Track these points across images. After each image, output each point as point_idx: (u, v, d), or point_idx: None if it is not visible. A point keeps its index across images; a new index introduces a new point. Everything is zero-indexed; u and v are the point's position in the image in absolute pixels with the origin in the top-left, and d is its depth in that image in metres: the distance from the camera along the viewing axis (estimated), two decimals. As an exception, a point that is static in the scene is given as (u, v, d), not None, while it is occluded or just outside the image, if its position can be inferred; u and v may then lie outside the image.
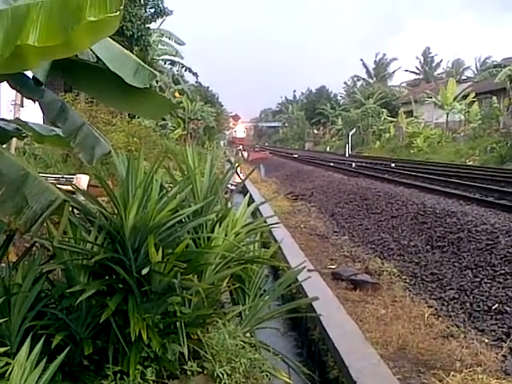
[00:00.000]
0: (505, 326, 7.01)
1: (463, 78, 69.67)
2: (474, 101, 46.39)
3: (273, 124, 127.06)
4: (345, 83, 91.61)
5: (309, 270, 8.34)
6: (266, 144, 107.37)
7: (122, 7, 2.74)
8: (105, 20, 2.74)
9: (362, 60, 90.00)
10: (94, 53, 4.23)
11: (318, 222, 15.53)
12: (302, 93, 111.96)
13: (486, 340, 6.63)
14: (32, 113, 5.79)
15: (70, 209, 4.77)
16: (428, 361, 6.02)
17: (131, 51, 23.49)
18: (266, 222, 7.36)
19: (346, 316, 7.18)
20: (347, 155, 51.80)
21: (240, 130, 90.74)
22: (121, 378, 4.02)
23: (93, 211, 4.85)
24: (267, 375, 4.82)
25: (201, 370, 4.46)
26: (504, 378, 5.54)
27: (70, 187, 6.08)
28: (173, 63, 41.18)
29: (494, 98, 41.40)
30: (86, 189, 9.07)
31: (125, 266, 4.35)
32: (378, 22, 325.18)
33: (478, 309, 7.67)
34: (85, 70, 4.48)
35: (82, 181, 10.52)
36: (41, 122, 5.50)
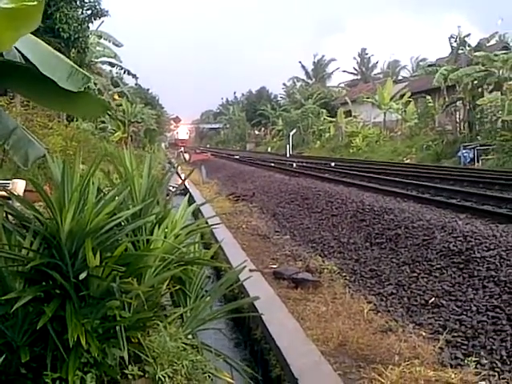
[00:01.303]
0: (441, 319, 7.19)
1: (399, 78, 71.27)
2: (410, 100, 47.50)
3: (214, 126, 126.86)
4: (284, 85, 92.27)
5: (250, 270, 8.38)
6: (208, 146, 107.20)
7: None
8: (24, 12, 2.69)
9: (300, 62, 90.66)
10: (23, 55, 4.15)
11: (259, 223, 15.60)
12: (243, 94, 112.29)
13: (424, 333, 6.79)
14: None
15: (4, 214, 4.68)
16: (367, 355, 6.13)
17: (68, 53, 23.17)
18: (207, 223, 7.36)
19: (287, 314, 7.25)
20: (288, 155, 52.22)
21: (183, 132, 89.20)
22: (60, 385, 3.96)
23: (29, 217, 4.76)
24: (210, 376, 4.82)
25: (142, 373, 4.43)
26: (441, 370, 5.68)
27: (4, 193, 5.94)
28: (112, 65, 40.61)
29: (429, 97, 42.49)
30: (22, 194, 8.89)
31: (62, 271, 4.28)
32: (316, 22, 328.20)
33: (415, 303, 7.86)
34: (16, 71, 4.40)
35: (19, 186, 10.29)
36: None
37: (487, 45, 40.16)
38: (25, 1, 2.68)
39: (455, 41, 39.95)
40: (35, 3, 2.71)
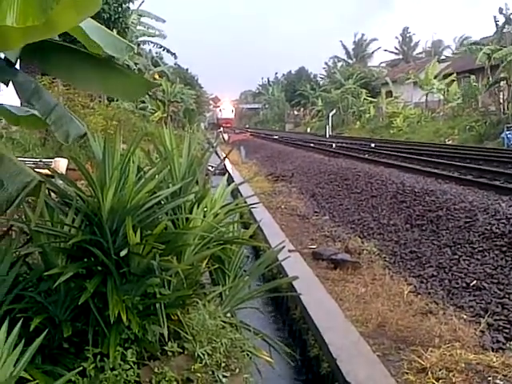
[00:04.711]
0: (483, 301, 7.10)
1: (442, 57, 69.93)
2: (454, 80, 46.55)
3: (253, 106, 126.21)
4: (326, 64, 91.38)
5: (289, 251, 8.38)
6: (247, 126, 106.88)
7: None
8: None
9: (341, 41, 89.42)
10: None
11: (298, 203, 15.57)
12: (283, 74, 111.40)
13: (465, 316, 6.72)
14: (9, 97, 5.72)
15: (47, 192, 4.74)
16: (407, 337, 6.09)
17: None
18: (245, 203, 7.36)
19: (326, 295, 7.24)
20: (327, 136, 51.74)
21: (227, 110, 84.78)
22: (101, 360, 4.01)
23: (71, 194, 4.81)
24: (248, 354, 4.84)
25: (181, 350, 4.47)
26: (482, 353, 5.62)
27: (48, 171, 6.02)
28: (152, 44, 40.82)
29: (473, 77, 41.59)
30: (64, 172, 9.01)
31: (103, 248, 4.33)
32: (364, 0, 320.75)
33: (456, 285, 7.76)
34: (57, 51, 4.41)
35: (61, 164, 10.45)
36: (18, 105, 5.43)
37: (534, 23, 39.01)
38: None
39: (503, 16, 38.85)
40: None
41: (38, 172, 4.38)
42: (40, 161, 11.27)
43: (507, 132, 30.50)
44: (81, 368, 3.79)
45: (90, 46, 4.21)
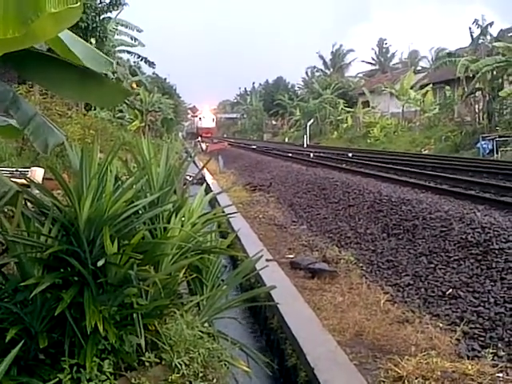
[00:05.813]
0: (458, 310, 7.17)
1: (418, 68, 70.61)
2: (429, 90, 47.04)
3: (231, 115, 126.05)
4: (306, 73, 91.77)
5: (267, 260, 8.39)
6: (225, 135, 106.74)
7: None
8: (66, 10, 2.74)
9: (318, 52, 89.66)
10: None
11: (276, 212, 15.59)
12: (260, 84, 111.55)
13: (441, 324, 6.77)
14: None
15: (24, 202, 4.71)
16: (384, 346, 6.12)
17: (87, 42, 23.21)
18: (223, 212, 7.37)
19: (303, 304, 7.25)
20: (305, 146, 51.97)
21: (208, 119, 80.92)
22: (77, 371, 3.98)
23: (48, 204, 4.79)
24: (226, 364, 4.83)
25: (159, 360, 4.45)
26: (457, 361, 5.66)
27: (24, 180, 5.98)
28: (129, 54, 40.63)
29: (448, 87, 42.06)
30: (41, 182, 8.94)
31: (80, 258, 4.31)
32: (342, 11, 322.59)
33: (432, 294, 7.83)
34: (36, 60, 4.41)
35: (37, 174, 10.36)
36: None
37: (509, 35, 39.52)
38: (69, 3, 2.74)
39: (477, 27, 39.32)
40: (78, 4, 2.77)
41: (14, 182, 4.37)
42: (16, 170, 11.19)
43: (482, 142, 30.89)
44: (57, 379, 3.77)
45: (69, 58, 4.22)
